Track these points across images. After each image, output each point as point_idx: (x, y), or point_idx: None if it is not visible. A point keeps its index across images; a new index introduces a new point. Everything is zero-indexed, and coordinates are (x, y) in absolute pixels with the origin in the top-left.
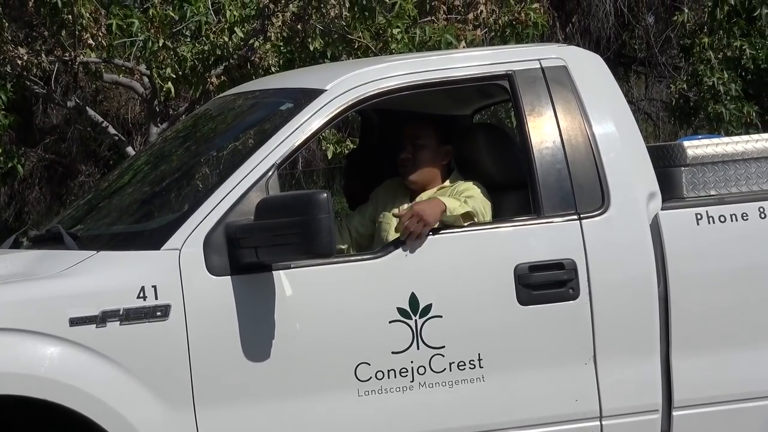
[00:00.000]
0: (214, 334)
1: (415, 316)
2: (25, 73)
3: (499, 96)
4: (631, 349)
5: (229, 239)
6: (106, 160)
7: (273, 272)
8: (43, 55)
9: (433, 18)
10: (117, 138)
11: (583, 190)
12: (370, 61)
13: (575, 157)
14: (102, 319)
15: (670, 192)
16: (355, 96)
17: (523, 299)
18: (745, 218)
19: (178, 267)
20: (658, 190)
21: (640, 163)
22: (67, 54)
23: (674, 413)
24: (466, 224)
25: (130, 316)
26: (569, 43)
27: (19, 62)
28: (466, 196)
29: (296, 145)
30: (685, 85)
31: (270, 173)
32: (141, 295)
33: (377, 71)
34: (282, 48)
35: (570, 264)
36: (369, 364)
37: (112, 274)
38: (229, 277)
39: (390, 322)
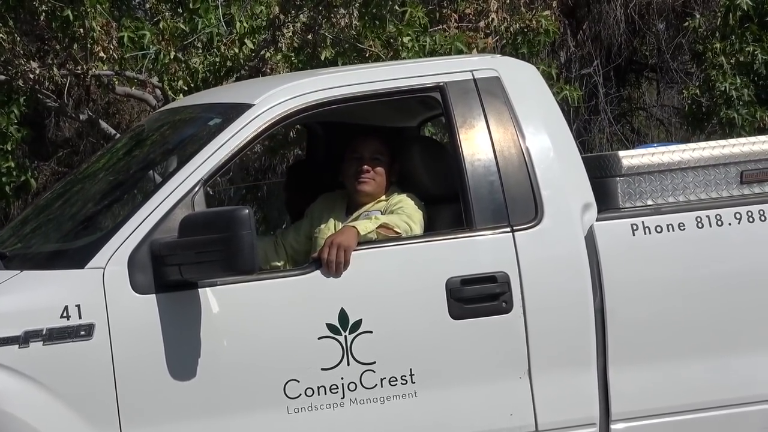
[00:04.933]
0: (139, 353)
1: (344, 331)
2: (37, 87)
3: None
4: (567, 362)
5: (154, 257)
6: None
7: (199, 290)
8: (55, 69)
9: (444, 26)
10: None
11: (516, 202)
12: (303, 75)
13: (508, 169)
14: (25, 339)
15: (606, 203)
16: (285, 110)
17: (455, 313)
18: (681, 228)
19: (102, 285)
20: (593, 201)
21: (574, 174)
22: (79, 67)
23: (612, 426)
24: (390, 235)
25: (54, 335)
26: (580, 50)
27: (32, 76)
28: (398, 207)
29: (223, 160)
30: (697, 91)
31: (196, 189)
32: (64, 314)
33: (307, 84)
34: (293, 58)
35: (503, 277)
36: (298, 381)
37: (35, 294)
38: (155, 295)
39: (319, 338)
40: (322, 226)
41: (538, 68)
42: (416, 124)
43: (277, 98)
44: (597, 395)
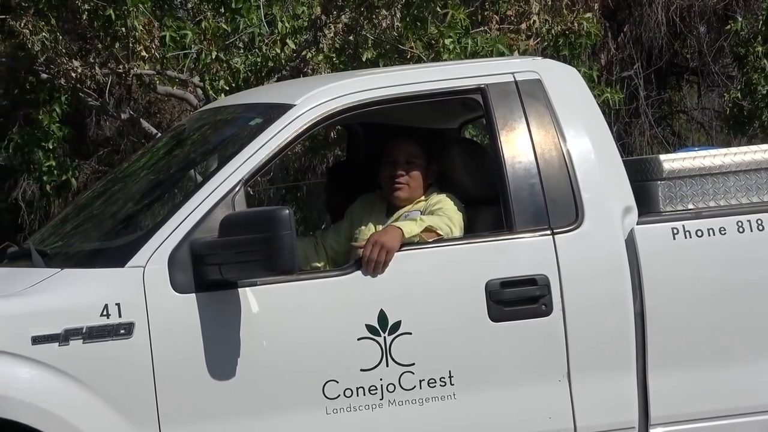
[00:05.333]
0: (179, 352)
1: (384, 333)
2: (79, 86)
3: None
4: (607, 365)
5: (194, 256)
6: None
7: (239, 289)
8: (96, 68)
9: (485, 28)
10: None
11: (557, 205)
12: (344, 76)
13: (549, 171)
14: (65, 337)
15: (647, 206)
16: (326, 110)
17: (495, 315)
18: (722, 233)
19: (143, 284)
20: (633, 204)
21: (615, 177)
22: (120, 66)
23: (651, 430)
24: (430, 240)
25: (93, 334)
26: (621, 53)
27: (74, 75)
28: (438, 209)
29: (264, 160)
30: (738, 94)
31: (236, 189)
32: (104, 312)
33: (348, 85)
34: (334, 59)
35: (543, 280)
36: (337, 382)
37: (76, 292)
38: (194, 294)
39: (359, 339)
40: (362, 227)
41: (579, 70)
42: (457, 125)
43: (318, 99)
44: (636, 399)
